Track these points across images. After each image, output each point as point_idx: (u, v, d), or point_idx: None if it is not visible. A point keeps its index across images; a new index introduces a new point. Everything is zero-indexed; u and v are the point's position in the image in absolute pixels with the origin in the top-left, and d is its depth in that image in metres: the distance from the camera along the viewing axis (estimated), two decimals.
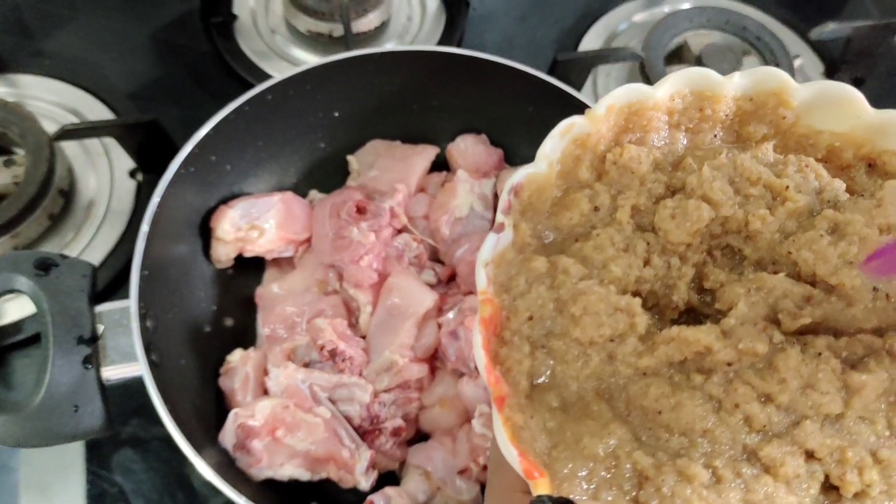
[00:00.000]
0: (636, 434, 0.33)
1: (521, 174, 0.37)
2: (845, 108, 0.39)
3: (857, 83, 1.09)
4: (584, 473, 0.32)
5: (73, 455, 0.76)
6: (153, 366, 0.62)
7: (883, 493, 0.32)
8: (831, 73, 1.08)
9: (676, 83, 0.39)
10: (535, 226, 0.38)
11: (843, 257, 0.34)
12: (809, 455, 0.32)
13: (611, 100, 0.38)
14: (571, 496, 0.30)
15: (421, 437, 0.72)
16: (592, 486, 0.31)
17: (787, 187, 0.36)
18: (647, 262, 0.37)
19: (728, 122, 0.40)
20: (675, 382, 0.34)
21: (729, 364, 0.34)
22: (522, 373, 0.34)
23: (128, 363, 0.62)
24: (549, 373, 0.34)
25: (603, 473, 0.32)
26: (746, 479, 0.31)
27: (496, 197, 0.82)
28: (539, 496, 0.29)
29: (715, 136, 0.41)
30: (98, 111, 0.94)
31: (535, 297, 0.35)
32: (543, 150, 0.37)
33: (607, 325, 0.34)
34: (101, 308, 0.64)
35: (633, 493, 0.31)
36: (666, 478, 0.31)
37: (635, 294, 0.36)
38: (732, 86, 0.39)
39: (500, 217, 0.37)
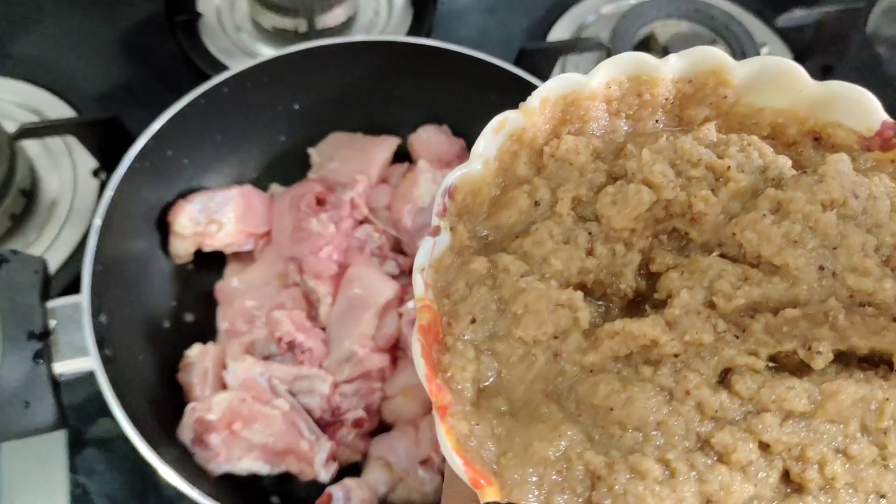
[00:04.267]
0: (588, 434, 0.32)
1: (454, 175, 0.35)
2: (786, 82, 0.37)
3: (827, 71, 1.09)
4: (534, 479, 0.31)
5: (54, 454, 0.75)
6: (107, 361, 0.61)
7: (849, 486, 0.31)
8: (800, 61, 1.08)
9: (611, 70, 0.38)
10: (473, 227, 0.37)
11: (787, 237, 0.33)
12: (765, 447, 0.31)
13: (544, 92, 0.37)
14: (521, 503, 0.29)
15: (385, 428, 0.72)
16: (544, 491, 0.30)
17: (729, 167, 0.35)
18: (590, 252, 0.36)
19: (669, 105, 0.39)
20: (624, 377, 0.33)
21: (676, 355, 0.33)
22: (467, 379, 0.33)
23: (80, 358, 0.61)
24: (495, 377, 0.33)
25: (554, 477, 0.31)
26: (700, 470, 0.30)
27: None
28: None
29: (657, 121, 0.40)
30: (61, 111, 0.94)
31: (476, 299, 0.34)
32: (477, 149, 0.36)
33: (549, 321, 0.33)
34: (54, 304, 0.63)
35: (587, 495, 0.30)
36: (618, 476, 0.30)
37: (580, 287, 0.35)
38: (669, 68, 0.38)
39: (434, 220, 0.35)
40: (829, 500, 0.30)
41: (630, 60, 0.38)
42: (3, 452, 0.75)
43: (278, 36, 1.01)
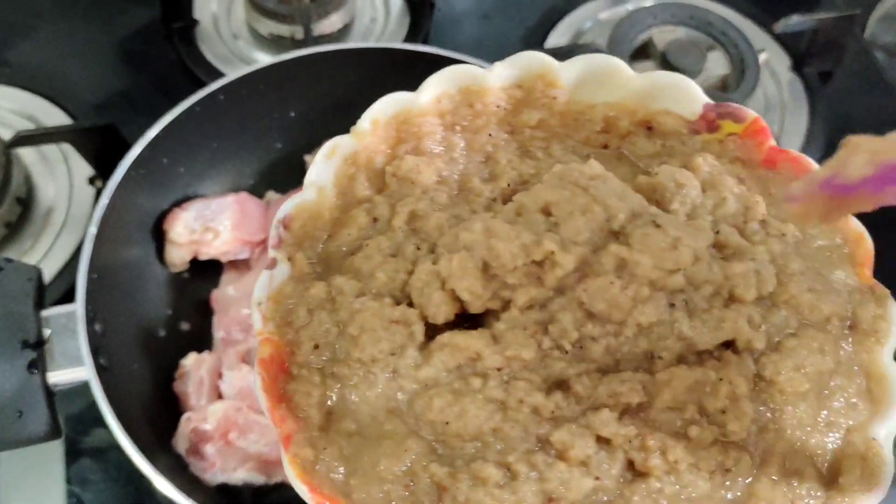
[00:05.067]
0: (432, 447, 0.33)
1: (288, 206, 0.36)
2: (611, 78, 0.39)
3: (825, 76, 1.09)
4: (380, 496, 0.31)
5: (52, 463, 0.75)
6: (101, 370, 0.61)
7: (693, 466, 0.31)
8: (798, 67, 1.08)
9: (440, 84, 0.38)
10: (313, 253, 0.37)
11: (636, 299, 0.33)
12: (605, 442, 0.32)
13: (373, 113, 0.38)
14: None
15: None
16: None
17: (553, 252, 0.33)
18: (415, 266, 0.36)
19: (501, 113, 0.39)
20: (456, 390, 0.33)
21: (499, 369, 0.33)
22: (312, 405, 0.33)
23: (74, 367, 0.61)
24: (339, 399, 0.34)
25: (401, 492, 0.31)
26: (541, 469, 0.31)
27: None
28: None
29: (490, 134, 0.40)
30: (58, 118, 0.93)
31: (317, 324, 0.34)
32: (309, 177, 0.37)
33: (385, 339, 0.33)
34: (48, 312, 0.62)
35: None
36: (461, 485, 0.31)
37: (411, 304, 0.35)
38: (497, 76, 0.39)
39: (271, 252, 0.36)
40: (674, 480, 0.31)
41: (459, 72, 0.38)
42: (0, 462, 0.75)
43: (275, 43, 1.01)
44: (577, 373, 0.33)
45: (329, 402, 0.34)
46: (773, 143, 0.38)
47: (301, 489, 0.31)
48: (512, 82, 0.39)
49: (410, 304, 0.35)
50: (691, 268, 0.33)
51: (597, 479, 0.31)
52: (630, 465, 0.32)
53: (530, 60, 0.38)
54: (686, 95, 0.38)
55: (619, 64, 0.38)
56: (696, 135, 0.38)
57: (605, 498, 0.31)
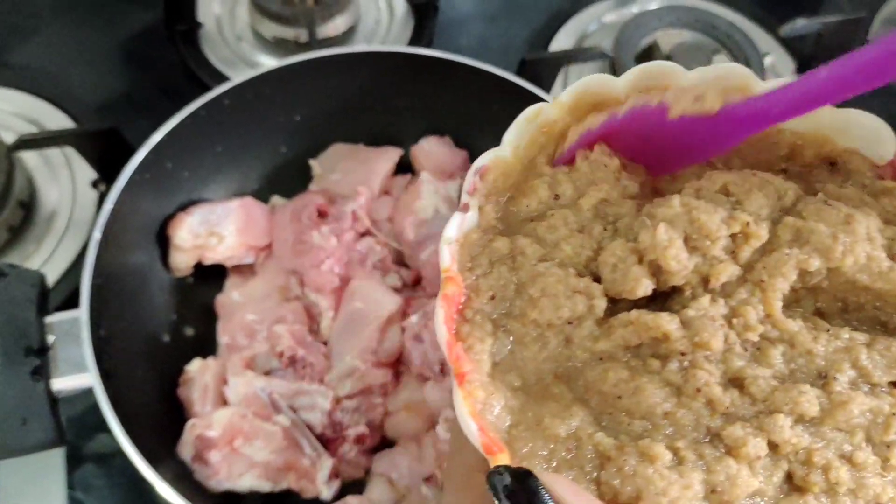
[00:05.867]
0: (597, 418, 0.33)
1: (486, 157, 0.36)
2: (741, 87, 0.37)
3: None
4: (544, 453, 0.31)
5: (53, 470, 0.74)
6: (105, 376, 0.60)
7: (851, 492, 0.31)
8: (803, 70, 1.08)
9: (639, 75, 0.38)
10: (499, 208, 0.37)
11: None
12: (773, 447, 0.31)
13: (579, 88, 0.38)
14: (532, 468, 0.30)
15: (387, 444, 0.71)
16: (553, 466, 0.31)
17: (748, 224, 0.34)
18: (601, 247, 0.36)
19: None
20: (633, 367, 0.33)
21: (682, 354, 0.33)
22: (485, 351, 0.33)
23: (79, 374, 0.60)
24: (508, 353, 0.34)
25: (563, 454, 0.31)
26: (708, 461, 0.31)
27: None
28: (497, 466, 0.28)
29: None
30: (60, 121, 0.93)
31: (496, 276, 0.35)
32: (509, 135, 0.37)
33: (566, 307, 0.34)
34: (52, 318, 0.62)
35: (595, 474, 0.31)
36: (628, 458, 0.30)
37: (595, 278, 0.35)
38: (689, 78, 0.38)
39: (464, 198, 0.36)
40: (829, 502, 0.31)
41: (658, 67, 0.38)
42: (1, 468, 0.74)
43: (279, 46, 1.00)
44: (754, 374, 0.33)
45: (498, 354, 0.34)
46: None
47: (470, 428, 0.30)
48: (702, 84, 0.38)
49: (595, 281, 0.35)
50: (867, 265, 0.33)
51: (760, 482, 0.31)
52: (789, 477, 0.32)
53: (731, 71, 0.37)
54: (879, 139, 0.37)
55: (749, 73, 0.37)
56: (879, 180, 0.37)
57: (762, 503, 0.31)
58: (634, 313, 0.33)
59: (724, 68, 0.38)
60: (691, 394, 0.32)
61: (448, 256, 0.34)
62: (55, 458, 0.75)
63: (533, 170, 0.38)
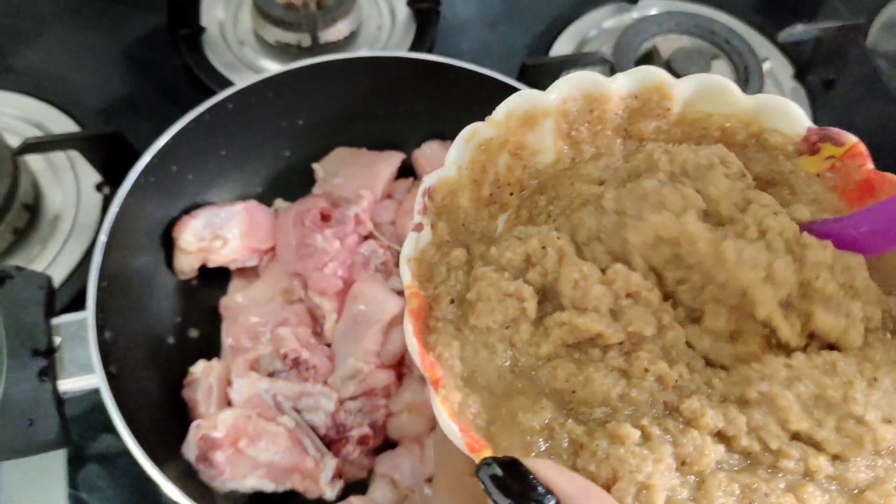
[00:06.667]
0: (561, 410, 0.34)
1: (432, 178, 0.38)
2: (722, 97, 0.41)
3: (828, 85, 1.09)
4: (523, 447, 0.32)
5: (54, 472, 0.75)
6: (111, 377, 0.61)
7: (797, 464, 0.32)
8: (801, 75, 1.09)
9: (568, 87, 0.41)
10: (451, 226, 0.39)
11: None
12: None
13: (508, 105, 0.40)
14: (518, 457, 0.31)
15: (390, 445, 0.71)
16: (532, 457, 0.32)
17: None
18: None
19: (618, 121, 0.42)
20: (578, 360, 0.35)
21: (620, 343, 0.35)
22: (454, 355, 0.34)
23: (85, 375, 0.61)
24: (470, 355, 0.35)
25: (540, 445, 0.33)
26: (674, 434, 0.32)
27: None
28: (484, 459, 0.29)
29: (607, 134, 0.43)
30: (64, 125, 0.93)
31: (453, 281, 0.37)
32: (450, 155, 0.39)
33: (498, 310, 0.35)
34: (59, 320, 0.63)
35: (572, 462, 0.32)
36: (599, 442, 0.31)
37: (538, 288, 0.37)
38: (618, 86, 0.41)
39: (416, 218, 0.38)
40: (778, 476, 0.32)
41: (584, 79, 0.41)
42: (3, 468, 0.75)
43: (281, 50, 1.01)
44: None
45: (465, 358, 0.35)
46: (871, 166, 0.40)
47: (452, 429, 0.31)
48: (629, 92, 0.41)
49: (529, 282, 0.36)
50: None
51: (724, 448, 0.32)
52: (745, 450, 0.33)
53: (648, 73, 0.41)
54: (791, 118, 0.40)
55: (729, 84, 0.41)
56: (799, 156, 0.40)
57: (736, 468, 0.32)
58: (566, 315, 0.35)
59: (644, 71, 0.41)
60: (640, 374, 0.34)
61: (408, 274, 0.36)
62: (56, 459, 0.75)
63: (482, 185, 0.40)
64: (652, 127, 0.42)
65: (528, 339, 0.35)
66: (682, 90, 0.41)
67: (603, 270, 0.36)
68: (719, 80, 0.41)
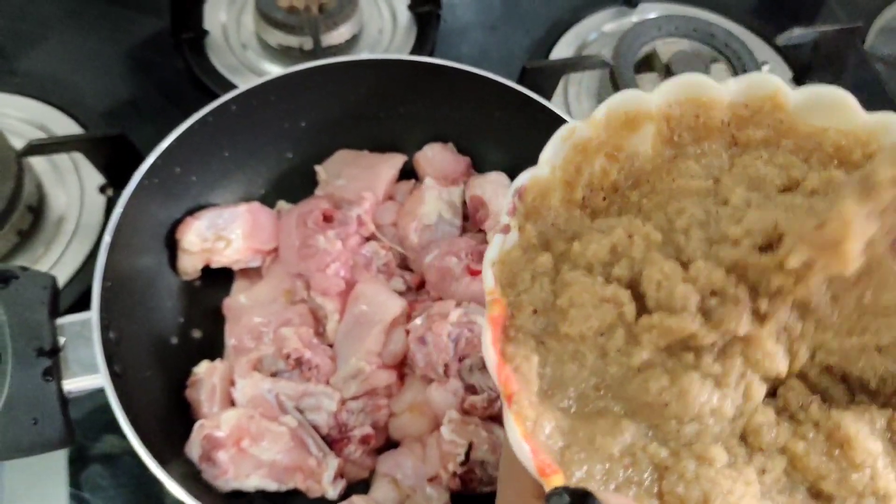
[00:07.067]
0: (647, 429, 0.33)
1: (524, 177, 0.37)
2: (839, 112, 0.39)
3: None
4: (601, 475, 0.31)
5: (55, 472, 0.75)
6: (116, 377, 0.61)
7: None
8: (800, 79, 1.09)
9: (673, 89, 0.39)
10: (539, 228, 0.38)
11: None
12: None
13: (610, 105, 0.38)
14: (589, 488, 0.29)
15: (392, 445, 0.72)
16: (612, 487, 0.31)
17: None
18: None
19: (724, 127, 0.40)
20: (671, 369, 0.33)
21: (713, 344, 0.33)
22: (531, 370, 0.33)
23: (89, 375, 0.61)
24: (552, 373, 0.34)
25: (620, 472, 0.31)
26: (758, 458, 0.32)
27: (464, 204, 0.83)
28: (555, 488, 0.27)
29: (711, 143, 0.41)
30: (68, 127, 0.94)
31: (538, 290, 0.35)
32: (545, 154, 0.38)
33: (594, 316, 0.33)
34: (63, 320, 0.63)
35: (655, 488, 0.31)
36: (686, 463, 0.30)
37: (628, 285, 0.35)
38: (728, 91, 0.39)
39: (504, 219, 0.37)
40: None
41: (692, 82, 0.39)
42: (5, 467, 0.75)
43: (284, 53, 1.02)
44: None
45: (544, 374, 0.34)
46: None
47: (523, 449, 0.30)
48: (741, 99, 0.39)
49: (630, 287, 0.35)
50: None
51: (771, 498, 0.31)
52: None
53: (762, 81, 0.39)
54: None
55: (849, 99, 0.38)
56: None
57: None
58: (656, 317, 0.33)
59: (757, 77, 0.39)
60: (734, 382, 0.32)
61: (492, 279, 0.35)
62: (58, 459, 0.76)
63: (575, 186, 0.39)
64: (761, 136, 0.39)
65: (622, 348, 0.33)
66: (797, 100, 0.39)
67: (685, 266, 0.33)
68: (839, 94, 0.39)
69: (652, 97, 0.39)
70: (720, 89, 0.39)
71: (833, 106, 0.38)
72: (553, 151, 0.38)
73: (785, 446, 0.32)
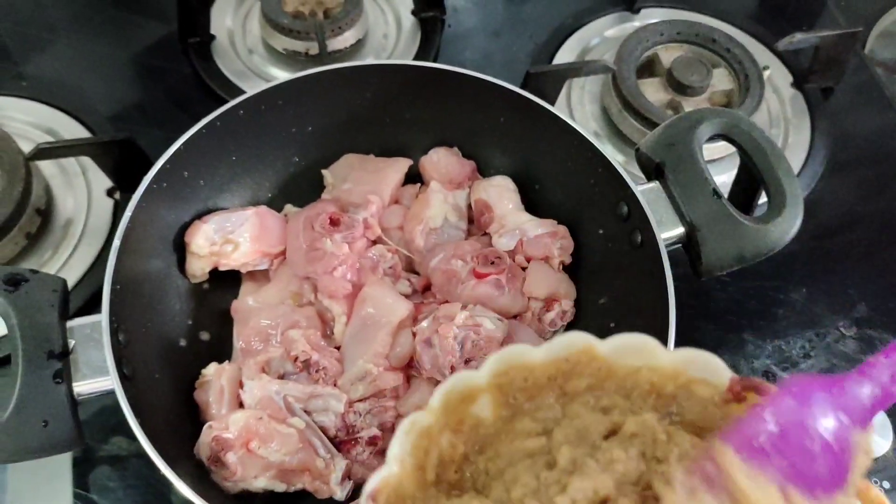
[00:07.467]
0: None
1: (374, 480, 0.40)
2: (648, 353, 0.43)
3: (827, 93, 1.11)
4: None
5: (60, 474, 0.76)
6: (125, 379, 0.62)
7: None
8: (800, 83, 1.10)
9: (495, 364, 0.43)
10: None
11: None
12: None
13: (444, 390, 0.42)
14: None
15: None
16: None
17: None
18: None
19: (551, 382, 0.44)
20: None
21: None
22: None
23: (99, 377, 0.62)
24: None
25: None
26: None
27: (470, 208, 0.83)
28: None
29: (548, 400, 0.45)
30: (76, 131, 0.95)
31: None
32: (392, 451, 0.40)
33: None
34: (73, 323, 0.64)
35: None
36: None
37: None
38: (547, 353, 0.43)
39: None
40: None
41: (511, 352, 0.43)
42: (9, 469, 0.76)
43: (290, 58, 1.03)
44: None
45: None
46: None
47: None
48: (561, 355, 0.43)
49: None
50: None
51: None
52: None
53: (572, 341, 0.43)
54: (714, 369, 0.42)
55: (651, 342, 0.42)
56: (726, 404, 0.42)
57: None
58: None
59: (567, 339, 0.44)
60: None
61: None
62: (63, 460, 0.76)
63: (423, 469, 0.42)
64: (585, 384, 0.43)
65: None
66: (608, 349, 0.43)
67: None
68: (641, 339, 0.42)
69: (480, 374, 0.43)
70: (538, 352, 0.43)
71: (641, 349, 0.43)
72: (399, 446, 0.41)
73: None
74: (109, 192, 0.90)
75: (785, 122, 1.07)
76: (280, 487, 0.66)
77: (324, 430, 0.69)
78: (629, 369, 0.43)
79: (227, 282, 0.79)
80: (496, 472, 0.41)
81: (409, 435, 0.41)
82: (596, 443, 0.40)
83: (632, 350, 0.43)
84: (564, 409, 0.42)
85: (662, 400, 0.42)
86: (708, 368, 0.42)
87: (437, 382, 0.71)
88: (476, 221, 0.82)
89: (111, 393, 0.61)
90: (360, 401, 0.70)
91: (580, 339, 0.43)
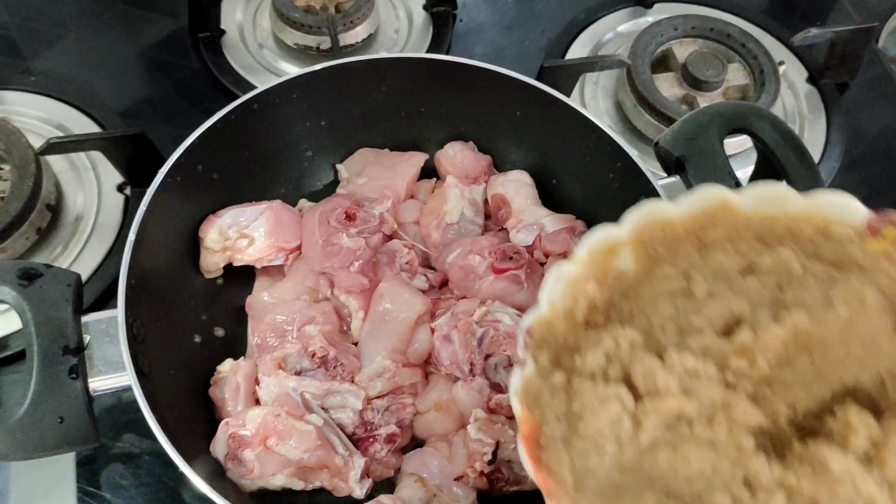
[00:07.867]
0: (666, 498, 0.38)
1: (530, 318, 0.45)
2: (782, 201, 0.45)
3: (842, 88, 1.10)
4: None
5: (63, 474, 0.75)
6: (141, 375, 0.61)
7: None
8: (815, 78, 1.09)
9: (636, 219, 0.46)
10: (552, 354, 0.44)
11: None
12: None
13: (588, 244, 0.46)
14: None
15: (417, 444, 0.71)
16: None
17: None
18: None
19: (689, 234, 0.46)
20: (672, 441, 0.39)
21: (701, 413, 0.39)
22: (564, 468, 0.40)
23: (115, 373, 0.61)
24: (580, 465, 0.40)
25: None
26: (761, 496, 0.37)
27: (486, 202, 0.82)
28: None
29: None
30: (86, 126, 0.94)
31: (557, 402, 0.42)
32: (543, 294, 0.45)
33: (602, 413, 0.39)
34: (88, 318, 0.63)
35: None
36: None
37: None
38: (683, 207, 0.46)
39: (520, 354, 0.45)
40: None
41: (648, 210, 0.46)
42: (13, 467, 0.75)
43: (301, 53, 1.02)
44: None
45: (575, 469, 0.40)
46: None
47: None
48: (697, 209, 0.46)
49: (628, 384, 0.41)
50: None
51: None
52: None
53: (708, 195, 0.45)
54: (850, 210, 0.43)
55: (786, 190, 0.45)
56: (864, 241, 0.43)
57: None
58: (649, 404, 0.39)
59: (705, 192, 0.46)
60: (725, 441, 0.38)
61: (518, 405, 0.43)
62: (65, 459, 0.75)
63: (574, 316, 0.45)
64: (722, 233, 0.45)
65: (631, 433, 0.39)
66: (744, 202, 0.45)
67: (661, 356, 0.40)
68: (775, 188, 0.45)
69: (620, 230, 0.46)
70: (675, 208, 0.46)
71: (775, 198, 0.45)
72: (550, 291, 0.45)
73: (781, 482, 0.37)
74: (120, 188, 0.89)
75: (800, 117, 1.06)
76: (298, 485, 0.65)
77: (342, 428, 0.68)
78: (765, 217, 0.45)
79: (241, 277, 0.78)
80: (637, 312, 0.43)
81: (557, 282, 0.45)
82: (733, 280, 0.42)
83: (767, 199, 0.45)
84: (703, 257, 0.44)
85: (800, 244, 0.44)
86: (844, 209, 0.43)
87: (456, 379, 0.70)
88: (493, 216, 0.81)
89: (126, 389, 0.60)
90: (378, 397, 0.69)
91: (716, 193, 0.45)
